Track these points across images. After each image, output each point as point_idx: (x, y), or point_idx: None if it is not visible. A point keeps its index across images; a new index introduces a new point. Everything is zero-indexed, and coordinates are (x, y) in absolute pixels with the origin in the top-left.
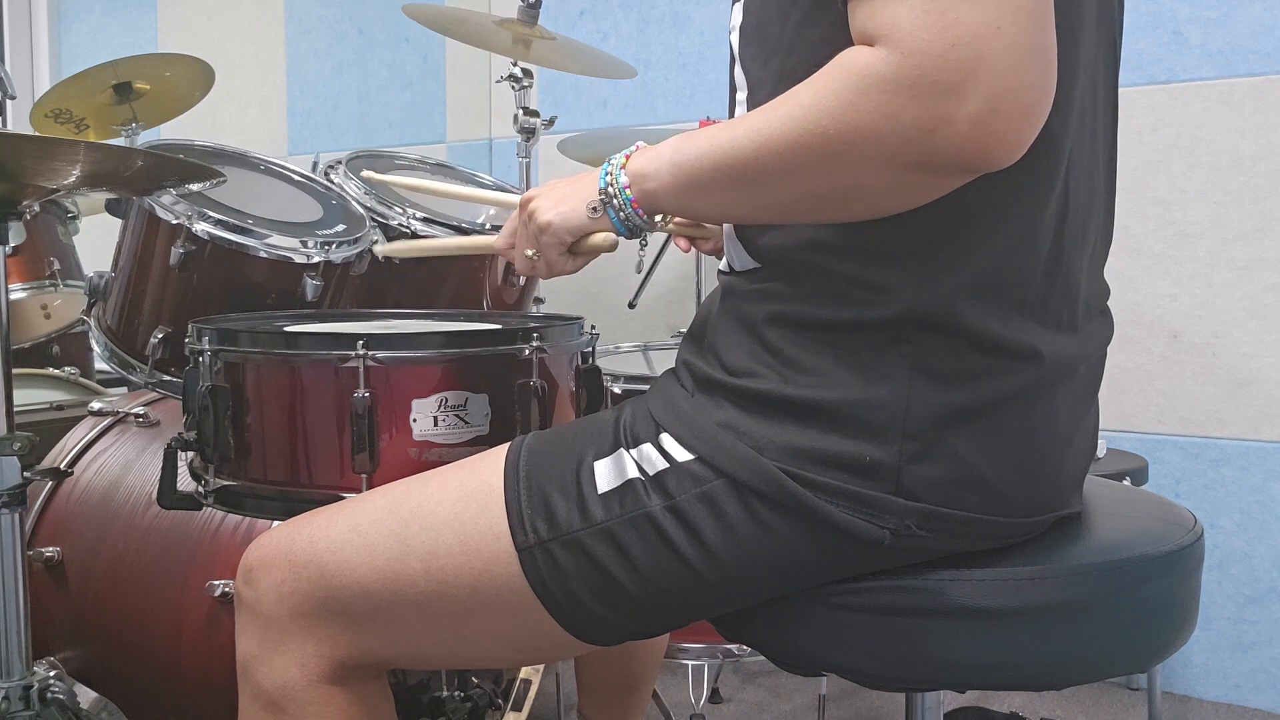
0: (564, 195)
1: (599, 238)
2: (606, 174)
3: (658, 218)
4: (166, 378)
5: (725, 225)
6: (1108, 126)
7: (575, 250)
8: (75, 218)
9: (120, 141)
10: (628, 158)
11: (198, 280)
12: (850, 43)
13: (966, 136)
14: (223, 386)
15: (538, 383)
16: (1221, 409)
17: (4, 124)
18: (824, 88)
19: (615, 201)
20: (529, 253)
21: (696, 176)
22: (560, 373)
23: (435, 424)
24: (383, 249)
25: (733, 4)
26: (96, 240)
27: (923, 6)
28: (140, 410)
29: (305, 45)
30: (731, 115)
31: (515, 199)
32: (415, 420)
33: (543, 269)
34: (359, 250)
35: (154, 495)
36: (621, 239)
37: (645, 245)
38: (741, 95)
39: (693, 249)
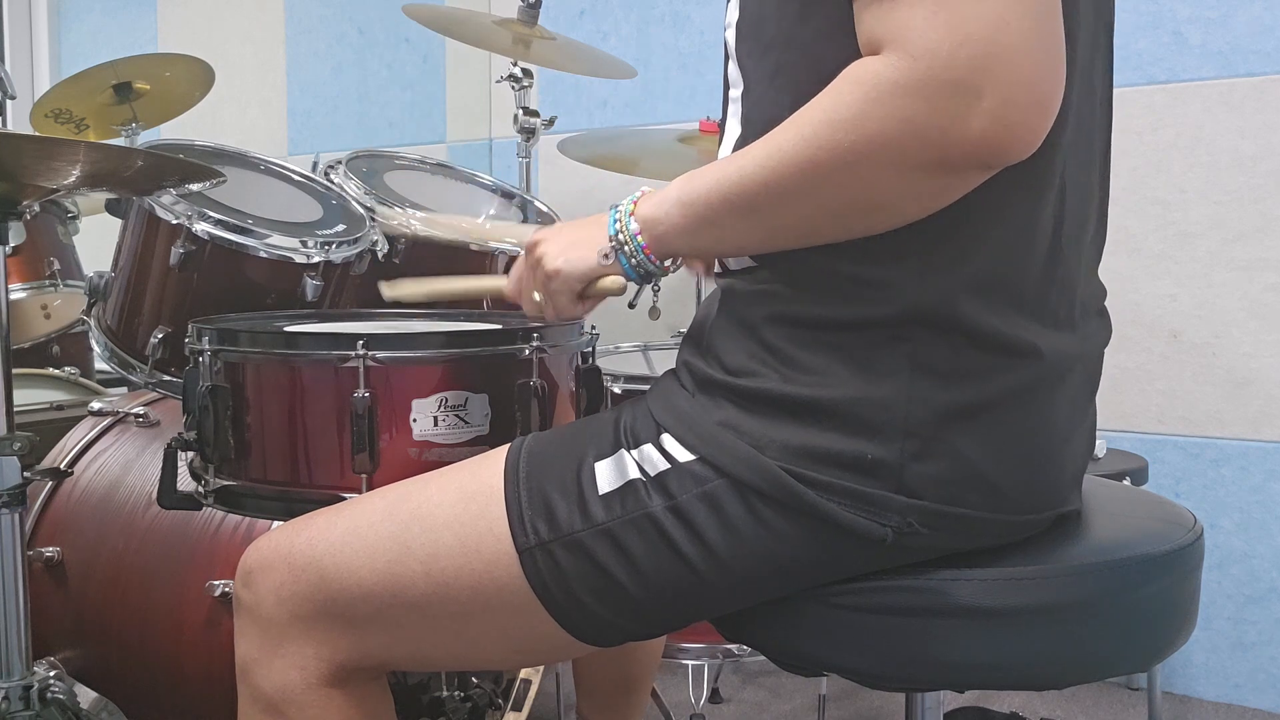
0: (572, 241)
1: (608, 282)
2: (615, 220)
3: (667, 262)
4: (166, 378)
5: None
6: (1103, 126)
7: (584, 295)
8: (75, 218)
9: (120, 141)
10: (635, 204)
11: (198, 280)
12: (845, 36)
13: (983, 132)
14: (223, 386)
15: (538, 383)
16: (1221, 409)
17: (4, 124)
18: (834, 102)
19: (627, 248)
20: (537, 297)
21: (706, 212)
22: (560, 373)
23: (435, 424)
24: (390, 292)
25: (728, 0)
26: (96, 240)
27: (931, 7)
28: (140, 410)
29: (305, 45)
30: (725, 113)
31: (521, 234)
32: (415, 420)
33: (550, 313)
34: (359, 250)
35: (154, 495)
36: (632, 284)
37: (659, 290)
38: (736, 92)
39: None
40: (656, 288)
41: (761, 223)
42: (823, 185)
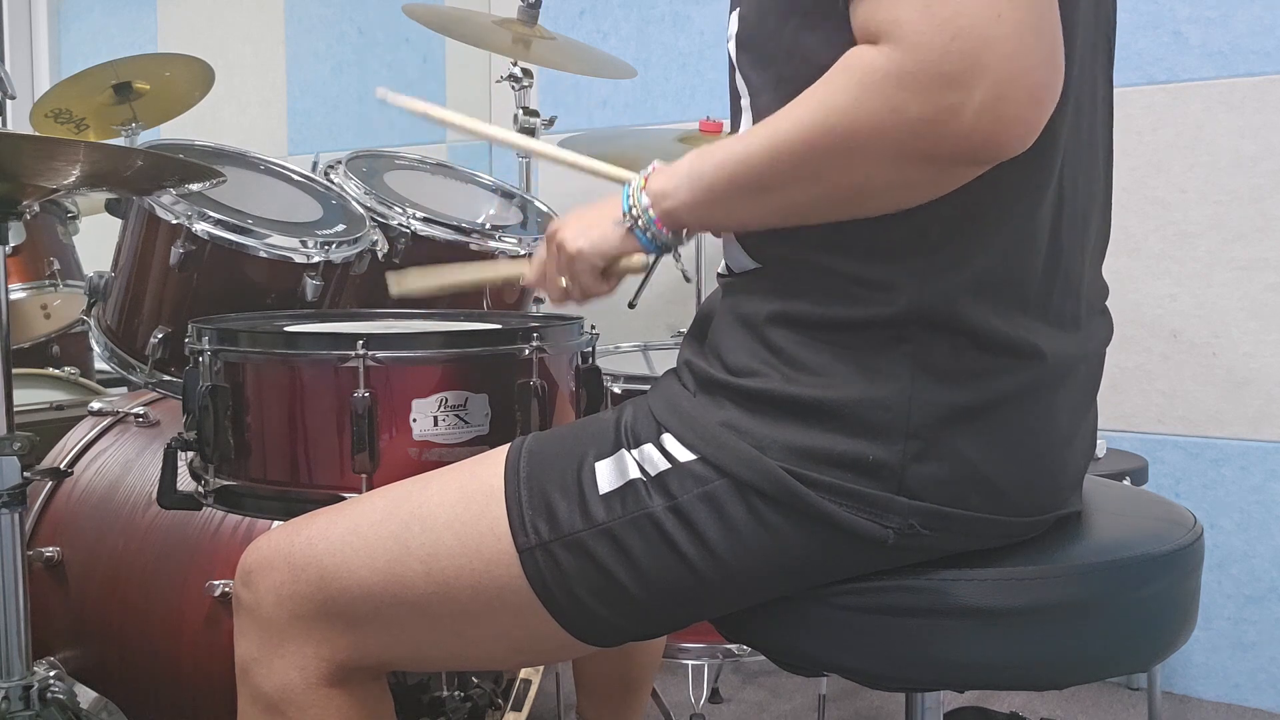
0: (590, 222)
1: (632, 260)
2: (628, 196)
3: (683, 233)
4: (166, 378)
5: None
6: (1105, 125)
7: (608, 273)
8: (75, 218)
9: (120, 141)
10: (646, 179)
11: (198, 280)
12: (849, 44)
13: (974, 126)
14: (223, 386)
15: (538, 383)
16: (1221, 409)
17: (4, 124)
18: (830, 89)
19: (640, 221)
20: (563, 282)
21: (714, 188)
22: (560, 373)
23: (435, 424)
24: (397, 287)
25: (730, 12)
26: (96, 240)
27: (923, 0)
28: (140, 410)
29: (305, 45)
30: (735, 122)
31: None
32: (415, 420)
33: (577, 294)
34: (359, 250)
35: (154, 495)
36: (653, 257)
37: (680, 259)
38: (744, 102)
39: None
40: (678, 255)
41: (764, 201)
42: (819, 170)
